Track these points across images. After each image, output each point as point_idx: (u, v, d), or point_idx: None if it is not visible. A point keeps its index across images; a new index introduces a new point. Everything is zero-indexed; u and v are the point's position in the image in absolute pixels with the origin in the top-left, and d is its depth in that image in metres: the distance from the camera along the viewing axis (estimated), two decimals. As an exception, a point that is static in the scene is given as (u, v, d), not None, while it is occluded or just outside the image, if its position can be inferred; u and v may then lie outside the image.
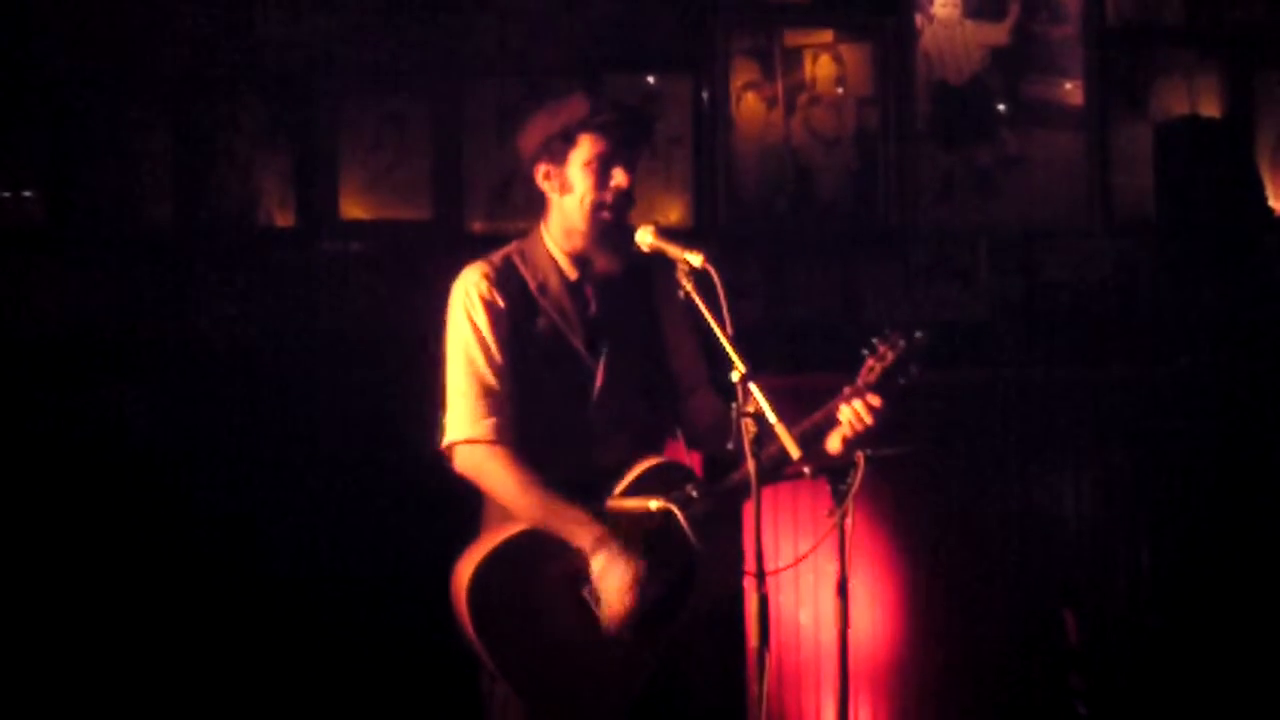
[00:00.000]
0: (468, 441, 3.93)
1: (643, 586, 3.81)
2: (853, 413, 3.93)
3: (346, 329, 5.73)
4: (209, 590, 5.42)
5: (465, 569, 3.82)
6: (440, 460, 4.01)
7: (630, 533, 3.84)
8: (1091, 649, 5.58)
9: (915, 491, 5.66)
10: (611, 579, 3.80)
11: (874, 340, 4.02)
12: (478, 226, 5.92)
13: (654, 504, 3.85)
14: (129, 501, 5.43)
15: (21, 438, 5.43)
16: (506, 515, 3.90)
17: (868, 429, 3.92)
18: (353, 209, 5.87)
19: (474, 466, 3.94)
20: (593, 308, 4.04)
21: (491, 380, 3.93)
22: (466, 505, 4.04)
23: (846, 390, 3.97)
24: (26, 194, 5.66)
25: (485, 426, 3.91)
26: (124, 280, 5.65)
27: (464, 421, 3.93)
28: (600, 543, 3.82)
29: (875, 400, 3.93)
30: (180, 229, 5.72)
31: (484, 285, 3.97)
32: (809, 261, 6.13)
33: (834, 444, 3.96)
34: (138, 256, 5.68)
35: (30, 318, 5.58)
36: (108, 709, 5.35)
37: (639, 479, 3.93)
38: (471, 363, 3.94)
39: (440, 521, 4.11)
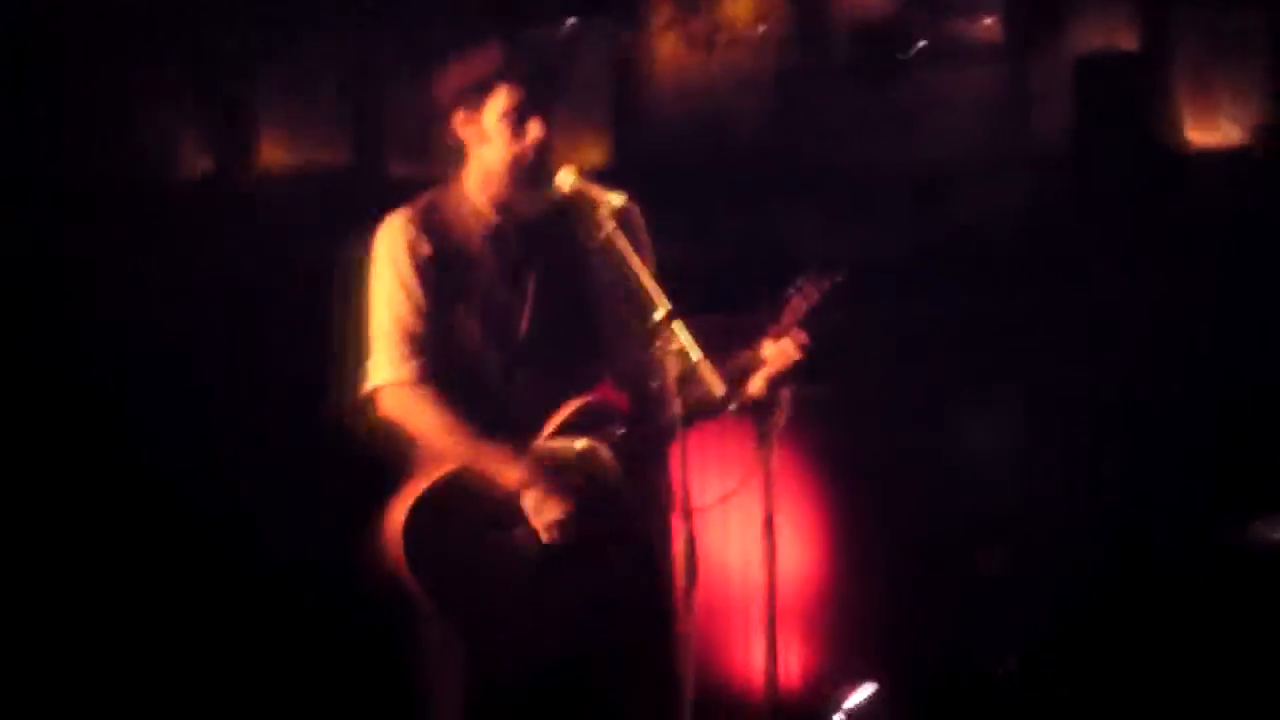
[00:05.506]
0: (393, 384, 3.94)
1: (572, 525, 3.85)
2: (777, 351, 3.97)
3: (266, 276, 5.70)
4: (157, 530, 5.46)
5: (398, 509, 3.84)
6: (359, 409, 4.00)
7: (559, 472, 3.86)
8: (1021, 582, 5.63)
9: (841, 429, 5.69)
10: (541, 518, 3.84)
11: (798, 280, 4.05)
12: (398, 171, 5.89)
13: (580, 444, 3.89)
14: (73, 453, 5.45)
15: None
16: (436, 457, 3.91)
17: (790, 368, 3.97)
18: (272, 155, 5.84)
19: (399, 409, 3.95)
20: (515, 252, 4.04)
21: (414, 324, 3.94)
22: (384, 449, 4.03)
23: (771, 330, 4.01)
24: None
25: (410, 369, 3.92)
26: (42, 233, 5.61)
27: (388, 365, 3.94)
28: (529, 482, 3.85)
29: (799, 339, 3.98)
30: (96, 179, 5.67)
31: (410, 230, 3.97)
32: (730, 201, 6.14)
33: (757, 384, 3.99)
34: (55, 209, 5.63)
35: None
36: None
37: (566, 420, 3.95)
38: (394, 307, 3.94)
39: (357, 465, 4.11)
